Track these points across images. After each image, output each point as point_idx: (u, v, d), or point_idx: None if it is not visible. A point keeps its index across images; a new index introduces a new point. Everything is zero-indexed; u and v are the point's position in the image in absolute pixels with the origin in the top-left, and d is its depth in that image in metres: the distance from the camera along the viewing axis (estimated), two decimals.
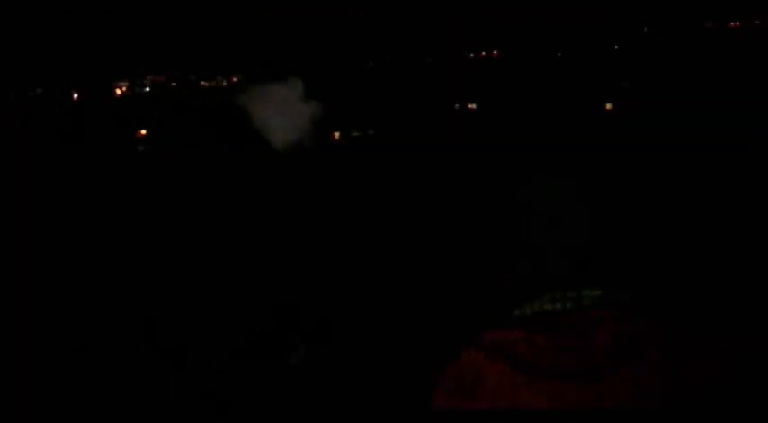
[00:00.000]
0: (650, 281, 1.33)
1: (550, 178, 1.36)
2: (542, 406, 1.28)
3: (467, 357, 1.34)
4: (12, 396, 4.64)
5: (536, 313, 1.36)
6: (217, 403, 1.36)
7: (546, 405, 1.28)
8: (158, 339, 5.95)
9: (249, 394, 1.36)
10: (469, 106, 41.76)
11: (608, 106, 35.14)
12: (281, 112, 1.56)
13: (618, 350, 1.29)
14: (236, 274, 1.41)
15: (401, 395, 1.33)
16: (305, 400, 1.28)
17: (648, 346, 1.27)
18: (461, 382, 1.33)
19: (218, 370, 1.39)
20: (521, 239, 1.38)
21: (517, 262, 1.38)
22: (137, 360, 5.42)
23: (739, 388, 1.25)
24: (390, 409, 1.30)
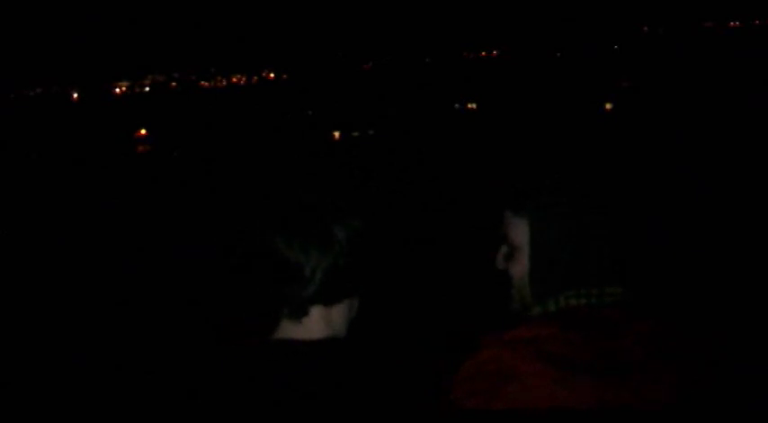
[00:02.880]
0: (669, 281, 1.32)
1: (567, 179, 1.34)
2: (579, 402, 1.26)
3: (492, 355, 1.29)
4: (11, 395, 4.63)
5: (561, 310, 1.34)
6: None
7: (582, 401, 1.26)
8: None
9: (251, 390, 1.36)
10: (469, 106, 41.68)
11: (608, 106, 35.11)
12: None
13: (648, 347, 1.27)
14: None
15: (419, 394, 1.31)
16: (320, 399, 1.27)
17: (674, 343, 1.26)
18: (486, 381, 1.29)
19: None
20: (538, 238, 1.37)
21: (536, 261, 1.36)
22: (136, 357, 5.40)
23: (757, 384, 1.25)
24: (407, 408, 1.28)
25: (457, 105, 41.69)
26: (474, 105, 41.49)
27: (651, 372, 1.24)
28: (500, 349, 1.27)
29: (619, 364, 1.25)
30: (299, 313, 1.53)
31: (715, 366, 1.23)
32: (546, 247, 1.37)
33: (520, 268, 1.43)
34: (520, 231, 1.43)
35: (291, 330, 1.51)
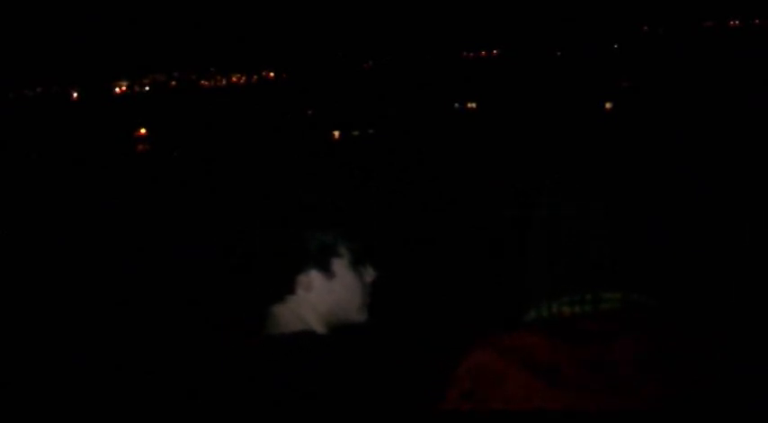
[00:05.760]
0: (677, 284, 1.29)
1: (566, 180, 1.33)
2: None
3: (483, 359, 1.28)
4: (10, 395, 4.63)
5: (554, 317, 1.30)
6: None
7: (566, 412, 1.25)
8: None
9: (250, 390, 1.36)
10: (469, 106, 41.70)
11: (608, 106, 35.08)
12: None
13: (636, 361, 1.24)
14: None
15: (411, 394, 1.31)
16: (319, 398, 1.27)
17: (670, 354, 1.22)
18: (476, 384, 1.29)
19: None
20: (537, 240, 1.34)
21: (533, 263, 1.34)
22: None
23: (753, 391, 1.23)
24: (404, 408, 1.28)
25: (457, 105, 41.73)
26: (474, 105, 41.53)
27: (638, 387, 1.23)
28: (491, 354, 1.27)
29: (605, 378, 1.24)
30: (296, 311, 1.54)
31: (714, 370, 1.22)
32: (545, 248, 1.37)
33: (517, 269, 1.42)
34: (519, 232, 1.43)
35: (285, 324, 1.51)
